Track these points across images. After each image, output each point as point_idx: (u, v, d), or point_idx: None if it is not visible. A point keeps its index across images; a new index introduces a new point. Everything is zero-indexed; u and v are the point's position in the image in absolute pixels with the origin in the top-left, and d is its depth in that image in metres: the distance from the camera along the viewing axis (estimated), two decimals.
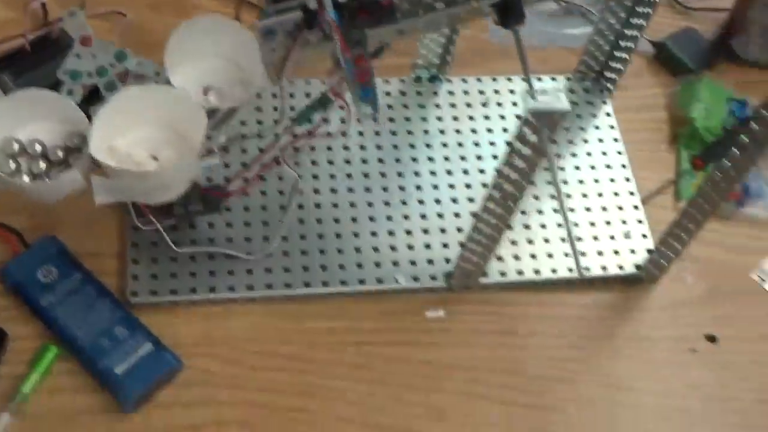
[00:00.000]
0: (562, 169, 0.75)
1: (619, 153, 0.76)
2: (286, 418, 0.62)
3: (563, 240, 0.70)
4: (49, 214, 0.67)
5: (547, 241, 0.70)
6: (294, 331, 0.65)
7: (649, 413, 0.65)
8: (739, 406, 0.66)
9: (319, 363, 0.64)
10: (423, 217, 0.70)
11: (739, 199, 0.75)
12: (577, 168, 0.75)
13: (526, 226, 0.71)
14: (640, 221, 0.73)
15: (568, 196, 0.73)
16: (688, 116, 0.78)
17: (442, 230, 0.70)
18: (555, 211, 0.72)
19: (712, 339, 0.69)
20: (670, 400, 0.66)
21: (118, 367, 0.60)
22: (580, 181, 0.74)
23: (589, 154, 0.76)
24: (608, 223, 0.72)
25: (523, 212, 0.71)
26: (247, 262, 0.66)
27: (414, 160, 0.73)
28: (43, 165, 0.58)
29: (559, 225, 0.71)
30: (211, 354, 0.64)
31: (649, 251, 0.70)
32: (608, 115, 0.78)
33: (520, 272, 0.69)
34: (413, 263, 0.68)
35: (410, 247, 0.69)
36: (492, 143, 0.75)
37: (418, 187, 0.72)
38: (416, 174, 0.72)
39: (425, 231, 0.70)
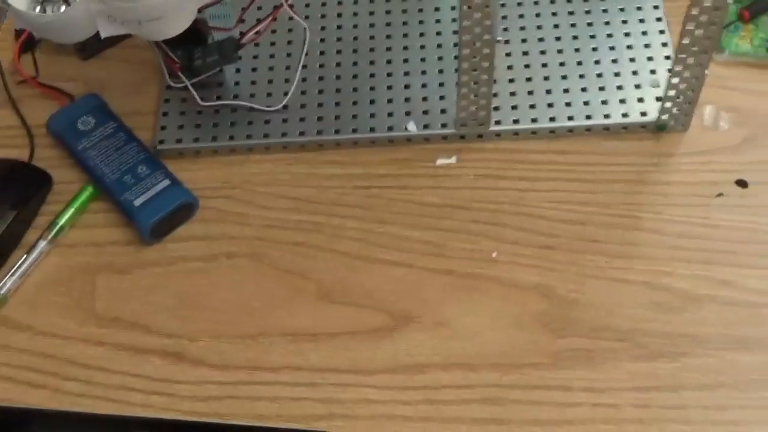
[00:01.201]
0: (590, 24, 0.73)
1: (656, 7, 0.73)
2: (291, 251, 0.65)
3: (584, 90, 0.69)
4: (100, 83, 0.75)
5: (566, 91, 0.69)
6: (305, 176, 0.69)
7: (666, 249, 0.63)
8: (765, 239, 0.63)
9: (325, 204, 0.67)
10: (440, 65, 0.71)
11: None
12: (605, 11, 0.73)
13: (546, 78, 0.70)
14: (670, 71, 0.70)
15: (592, 36, 0.72)
16: None
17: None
18: (579, 63, 0.71)
19: (742, 184, 0.65)
20: (686, 239, 0.63)
21: (137, 200, 0.65)
22: (606, 23, 0.73)
23: (621, 9, 0.74)
24: (635, 73, 0.70)
25: (544, 64, 0.71)
26: (266, 113, 0.70)
27: (436, 9, 0.74)
28: (63, 7, 0.64)
29: (581, 76, 0.70)
30: (226, 195, 0.68)
31: (668, 98, 0.67)
32: None
33: (534, 120, 0.68)
34: (426, 112, 0.69)
35: (425, 99, 0.70)
36: None
37: (438, 33, 0.73)
38: (437, 21, 0.73)
39: (441, 84, 0.70)
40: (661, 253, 0.63)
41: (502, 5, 0.74)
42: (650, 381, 0.58)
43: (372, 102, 0.70)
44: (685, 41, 0.60)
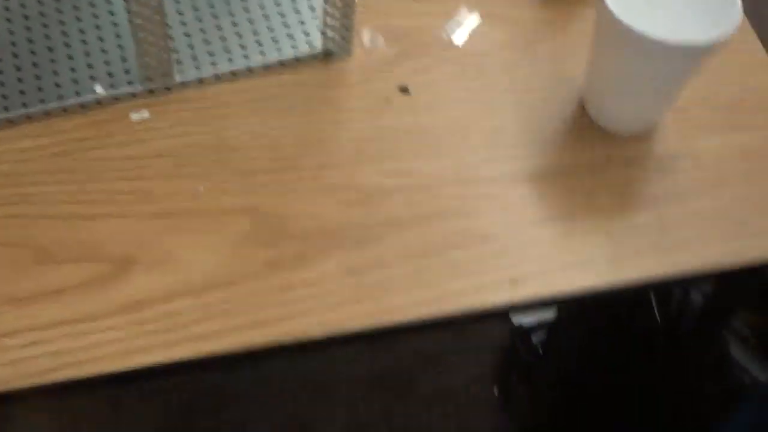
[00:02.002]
0: None
1: None
2: (3, 224, 0.66)
3: (255, 32, 0.75)
4: None
5: (239, 35, 0.75)
6: (3, 153, 0.69)
7: (351, 154, 0.71)
8: (432, 135, 0.73)
9: (29, 175, 0.68)
10: (116, 23, 0.75)
11: None
12: None
13: (215, 16, 0.76)
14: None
15: None
16: None
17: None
18: (243, 2, 0.77)
19: (404, 90, 0.75)
20: (367, 143, 0.72)
21: None
22: None
23: None
24: (297, 11, 0.77)
25: (212, 6, 0.76)
26: None
27: None
28: None
29: (249, 17, 0.76)
30: None
31: (327, 26, 0.75)
32: None
33: (213, 64, 0.74)
34: (111, 74, 0.72)
35: (107, 62, 0.73)
36: None
37: None
38: None
39: (120, 45, 0.74)
40: (348, 159, 0.71)
41: None
42: (360, 264, 0.66)
43: (55, 73, 0.72)
44: None
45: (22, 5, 0.76)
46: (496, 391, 1.62)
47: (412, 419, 1.58)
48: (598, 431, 1.33)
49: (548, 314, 1.65)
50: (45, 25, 0.75)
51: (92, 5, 0.76)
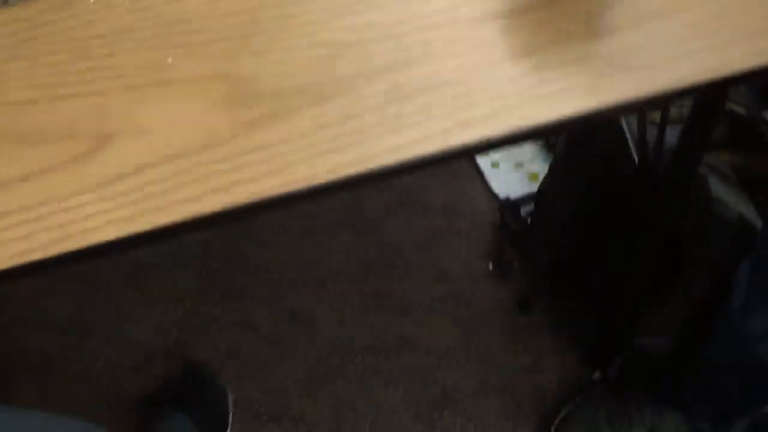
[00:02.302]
0: None
1: None
2: None
3: None
4: None
5: None
6: None
7: (314, 10, 0.71)
8: None
9: None
10: None
11: None
12: None
13: None
14: None
15: None
16: None
17: None
18: None
19: None
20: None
21: None
22: None
23: None
24: None
25: None
26: None
27: None
28: None
29: None
30: None
31: None
32: None
33: None
34: None
35: None
36: None
37: None
38: None
39: None
40: (314, 17, 0.71)
41: None
42: (332, 118, 0.67)
43: None
44: None
45: None
46: (490, 266, 1.65)
47: (412, 300, 1.61)
48: (589, 287, 1.37)
49: (533, 186, 1.68)
50: None
51: None
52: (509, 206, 1.61)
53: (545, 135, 0.73)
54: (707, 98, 0.84)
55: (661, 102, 0.98)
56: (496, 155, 1.81)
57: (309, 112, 0.67)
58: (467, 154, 0.68)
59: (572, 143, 1.29)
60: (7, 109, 0.67)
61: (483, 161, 1.80)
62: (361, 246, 1.66)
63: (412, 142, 0.66)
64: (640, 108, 0.72)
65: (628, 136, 1.12)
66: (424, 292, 1.61)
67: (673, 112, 1.15)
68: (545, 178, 1.50)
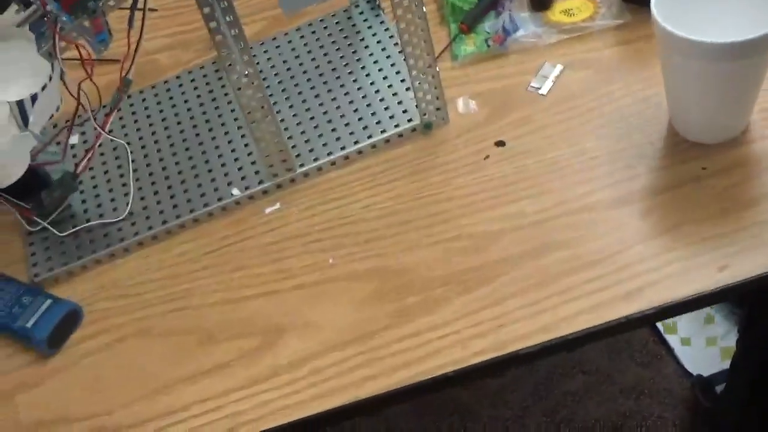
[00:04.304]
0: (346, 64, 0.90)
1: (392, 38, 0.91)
2: (168, 318, 0.77)
3: (360, 118, 0.85)
4: None
5: (347, 125, 0.85)
6: (163, 260, 0.81)
7: (460, 208, 0.78)
8: (531, 178, 0.79)
9: (185, 273, 0.80)
10: (242, 134, 0.87)
11: (501, 41, 0.88)
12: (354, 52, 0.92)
13: (325, 113, 0.86)
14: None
15: (350, 73, 0.90)
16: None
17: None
18: (346, 95, 0.87)
19: (500, 144, 0.82)
20: (472, 197, 0.79)
21: (29, 322, 0.76)
22: (358, 60, 0.91)
23: (367, 47, 0.92)
24: (394, 94, 0.86)
25: (321, 104, 0.87)
26: (117, 223, 0.83)
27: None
28: None
29: (353, 106, 0.86)
30: (104, 297, 0.80)
31: (420, 101, 0.83)
32: (382, 22, 0.94)
33: (328, 153, 0.83)
34: (243, 178, 0.84)
35: (240, 168, 0.85)
36: None
37: (233, 111, 0.90)
38: (229, 104, 0.91)
39: (249, 153, 0.85)
40: (458, 213, 0.78)
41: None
42: (476, 305, 0.72)
43: (199, 185, 0.84)
44: (411, 61, 0.78)
45: (169, 137, 0.89)
46: None
47: None
48: None
49: (727, 364, 1.62)
50: (187, 149, 0.87)
51: (223, 125, 0.89)
52: (701, 383, 1.55)
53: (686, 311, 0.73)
54: None
55: None
56: (685, 332, 1.76)
57: (455, 298, 0.72)
58: (609, 334, 0.70)
59: (753, 316, 1.25)
60: (195, 311, 0.77)
61: (672, 339, 1.76)
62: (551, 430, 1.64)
63: (556, 323, 0.69)
64: None
65: None
66: None
67: None
68: (735, 352, 1.44)
